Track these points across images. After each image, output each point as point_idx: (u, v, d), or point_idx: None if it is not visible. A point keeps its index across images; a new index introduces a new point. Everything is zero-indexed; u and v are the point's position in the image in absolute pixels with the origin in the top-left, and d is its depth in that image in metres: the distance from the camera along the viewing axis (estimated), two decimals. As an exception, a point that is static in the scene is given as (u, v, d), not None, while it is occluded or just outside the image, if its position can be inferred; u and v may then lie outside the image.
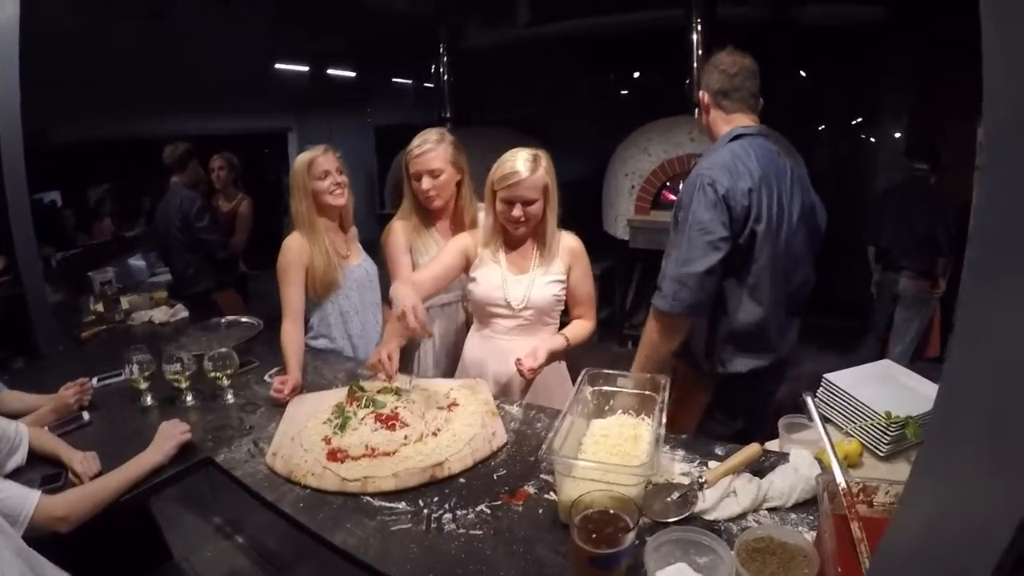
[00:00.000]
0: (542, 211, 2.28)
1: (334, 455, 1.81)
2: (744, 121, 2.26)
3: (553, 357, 2.32)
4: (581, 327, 2.46)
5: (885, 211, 4.86)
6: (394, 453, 1.80)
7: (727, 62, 2.25)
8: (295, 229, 2.64)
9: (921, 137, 5.98)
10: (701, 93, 2.32)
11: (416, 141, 2.52)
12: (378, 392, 2.14)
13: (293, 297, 2.57)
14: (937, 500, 0.71)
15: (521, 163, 2.20)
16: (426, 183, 2.50)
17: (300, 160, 2.61)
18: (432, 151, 2.48)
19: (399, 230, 2.64)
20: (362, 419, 1.96)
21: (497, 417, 2.03)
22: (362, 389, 2.16)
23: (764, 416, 2.41)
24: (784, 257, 2.23)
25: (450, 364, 2.71)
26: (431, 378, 2.45)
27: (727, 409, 2.34)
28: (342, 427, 1.92)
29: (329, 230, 2.69)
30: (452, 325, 2.75)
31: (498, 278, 2.35)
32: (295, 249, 2.59)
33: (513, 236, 2.36)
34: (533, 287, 2.34)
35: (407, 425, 1.92)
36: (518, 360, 2.19)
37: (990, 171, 0.60)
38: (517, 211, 2.24)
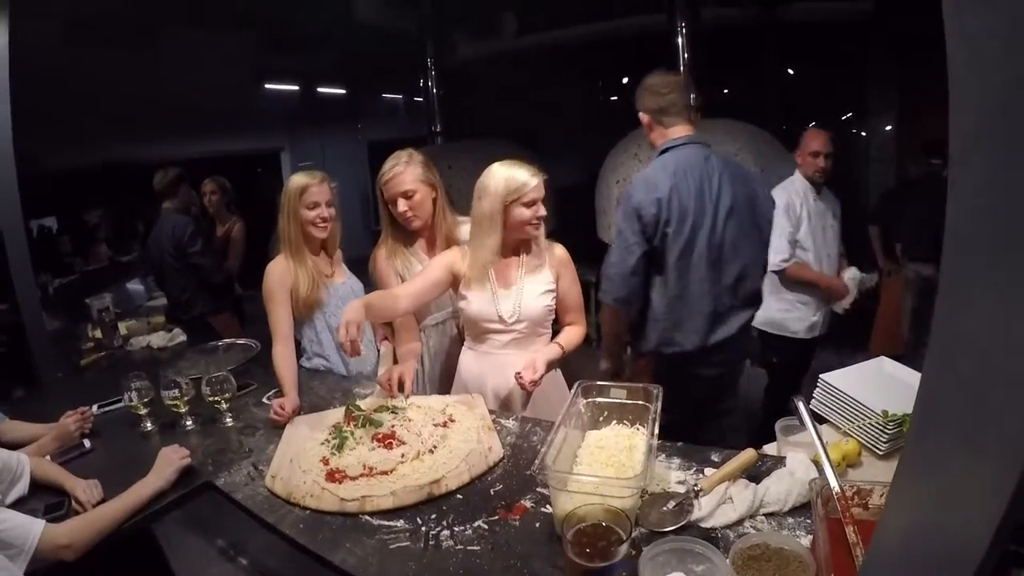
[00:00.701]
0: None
1: (332, 476, 1.81)
2: (680, 132, 2.59)
3: (550, 366, 2.33)
4: (574, 333, 2.48)
5: (903, 205, 4.98)
6: (391, 471, 1.81)
7: (658, 83, 2.58)
8: (280, 247, 2.66)
9: (909, 131, 6.01)
10: (641, 115, 2.63)
11: (387, 165, 2.55)
12: (375, 411, 2.15)
13: (281, 319, 2.58)
14: (920, 501, 0.72)
15: (528, 173, 2.27)
16: (402, 205, 2.52)
17: (294, 183, 2.62)
18: (402, 173, 2.51)
19: (382, 257, 2.66)
20: (359, 439, 1.97)
21: (493, 432, 2.03)
22: (359, 409, 2.16)
23: (704, 402, 2.76)
24: (709, 250, 2.54)
25: (446, 381, 2.71)
26: (427, 395, 2.45)
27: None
28: (339, 447, 1.94)
29: (312, 252, 2.72)
30: (446, 342, 2.77)
31: (488, 293, 2.37)
32: (277, 272, 2.61)
33: (503, 250, 2.37)
34: (523, 299, 2.36)
35: (404, 443, 1.93)
36: (518, 374, 2.19)
37: (959, 174, 0.61)
38: (540, 208, 2.30)
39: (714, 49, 5.76)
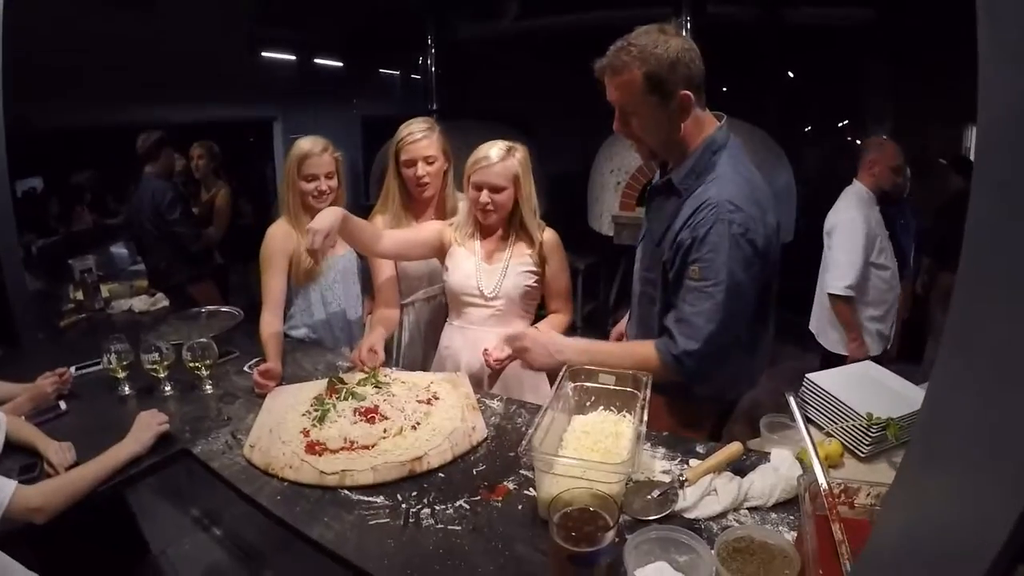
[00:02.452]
0: (511, 201, 2.32)
1: (312, 448, 1.79)
2: (711, 118, 1.87)
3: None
4: (556, 321, 2.47)
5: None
6: (373, 447, 1.78)
7: (689, 47, 1.73)
8: (282, 213, 2.64)
9: (904, 143, 6.03)
10: (683, 94, 1.71)
11: (407, 129, 2.51)
12: (358, 384, 2.13)
13: (274, 286, 2.56)
14: (923, 503, 0.71)
15: (494, 150, 2.26)
16: (421, 169, 2.50)
17: (296, 151, 2.56)
18: (427, 138, 2.49)
19: (379, 223, 2.62)
20: (341, 412, 1.94)
21: (477, 412, 2.01)
22: (342, 381, 2.14)
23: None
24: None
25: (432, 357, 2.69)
26: (412, 371, 2.42)
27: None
28: (321, 419, 1.91)
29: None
30: (439, 318, 2.71)
31: (472, 266, 2.38)
32: (279, 237, 2.59)
33: (485, 225, 2.40)
34: (506, 276, 2.37)
35: (387, 418, 1.90)
36: (485, 351, 2.21)
37: (983, 170, 0.59)
38: (484, 197, 2.27)
39: (716, 45, 5.74)
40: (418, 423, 1.90)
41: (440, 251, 2.47)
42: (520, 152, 2.30)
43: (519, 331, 2.05)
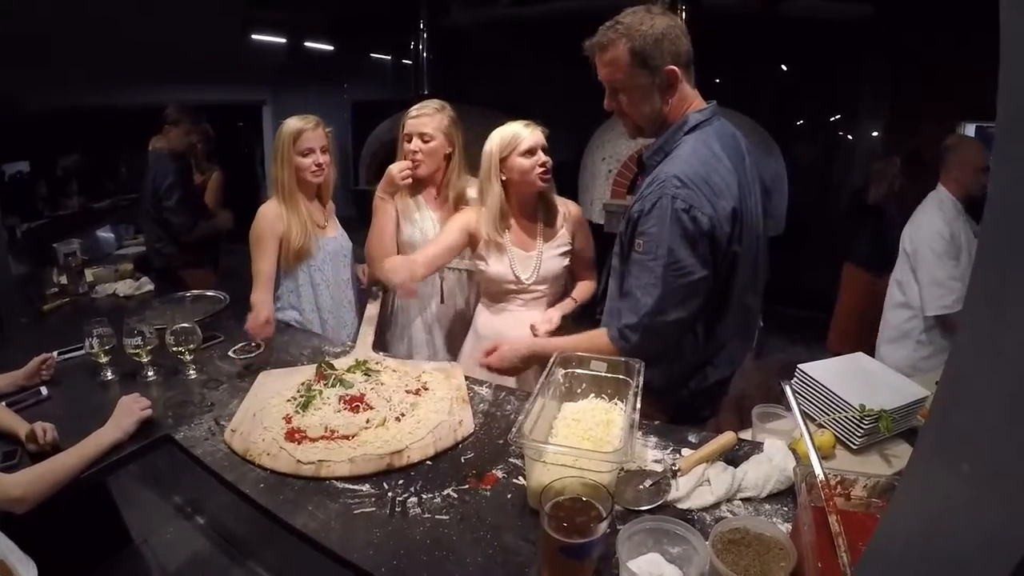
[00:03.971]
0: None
1: (292, 435, 1.76)
2: (698, 100, 1.84)
3: (565, 319, 2.44)
4: (586, 287, 2.59)
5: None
6: (353, 437, 1.75)
7: (675, 24, 1.74)
8: (273, 194, 2.65)
9: (896, 140, 6.03)
10: (669, 69, 1.73)
11: (417, 105, 2.61)
12: (347, 371, 2.08)
13: (265, 267, 2.58)
14: (937, 498, 0.67)
15: (518, 125, 2.33)
16: (415, 144, 2.56)
17: (288, 128, 2.59)
18: (428, 117, 2.56)
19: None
20: (327, 399, 1.91)
21: (467, 404, 1.97)
22: (331, 367, 2.11)
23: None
24: (755, 268, 1.95)
25: (461, 327, 2.75)
26: (406, 359, 2.39)
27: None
28: (304, 406, 1.88)
29: (306, 199, 2.70)
30: (461, 290, 2.80)
31: (506, 257, 2.43)
32: (270, 217, 2.60)
33: (508, 212, 2.42)
34: (542, 262, 2.45)
35: (371, 408, 1.87)
36: (533, 326, 2.32)
37: (1002, 164, 0.56)
38: (540, 155, 2.31)
39: (711, 35, 5.71)
40: (403, 414, 1.86)
41: (472, 243, 2.48)
42: (534, 125, 2.36)
43: (495, 343, 2.10)
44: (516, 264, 2.43)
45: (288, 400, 1.95)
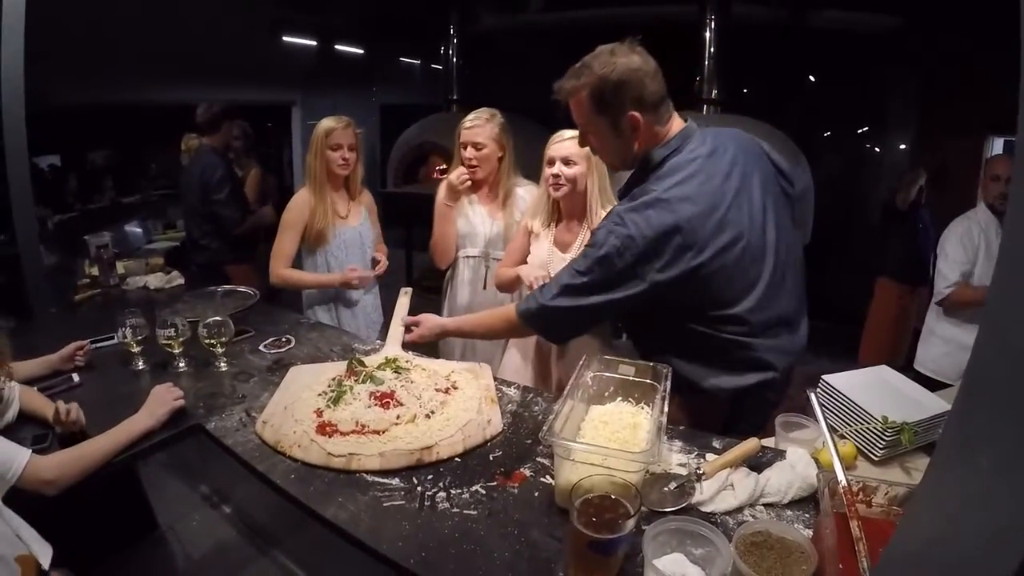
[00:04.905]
0: (583, 179, 2.42)
1: (323, 428, 1.79)
2: (674, 127, 1.85)
3: None
4: None
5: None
6: (384, 432, 1.78)
7: (640, 65, 1.74)
8: (307, 182, 3.03)
9: (923, 153, 5.99)
10: (631, 114, 1.75)
11: (470, 116, 2.85)
12: (378, 368, 2.12)
13: (287, 244, 3.00)
14: (954, 501, 0.69)
15: (567, 131, 2.37)
16: (469, 153, 2.82)
17: (322, 125, 2.96)
18: (480, 126, 2.81)
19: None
20: (357, 395, 1.93)
21: (495, 405, 1.99)
22: (362, 364, 2.14)
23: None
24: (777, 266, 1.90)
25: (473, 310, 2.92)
26: (434, 358, 2.41)
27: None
28: (336, 401, 1.90)
29: (332, 190, 3.07)
30: (478, 279, 3.01)
31: (544, 253, 2.56)
32: (299, 205, 3.00)
33: (560, 210, 2.56)
34: None
35: (401, 404, 1.89)
36: (525, 273, 2.43)
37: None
38: (556, 168, 2.41)
39: (740, 45, 5.71)
40: (432, 412, 1.89)
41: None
42: (572, 137, 2.38)
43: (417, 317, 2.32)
44: (553, 260, 2.50)
45: (319, 395, 1.98)
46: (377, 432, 1.78)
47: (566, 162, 2.40)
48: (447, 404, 1.94)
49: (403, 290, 2.67)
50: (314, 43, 8.26)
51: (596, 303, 1.78)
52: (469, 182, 2.82)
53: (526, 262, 2.61)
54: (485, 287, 2.98)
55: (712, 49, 5.59)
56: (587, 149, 2.08)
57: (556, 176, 2.42)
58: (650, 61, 1.75)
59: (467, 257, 3.02)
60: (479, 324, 2.23)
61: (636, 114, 1.74)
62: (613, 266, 1.72)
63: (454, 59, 7.46)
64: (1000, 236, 2.72)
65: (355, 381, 2.02)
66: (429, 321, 2.29)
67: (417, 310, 2.40)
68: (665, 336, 1.92)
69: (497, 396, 2.05)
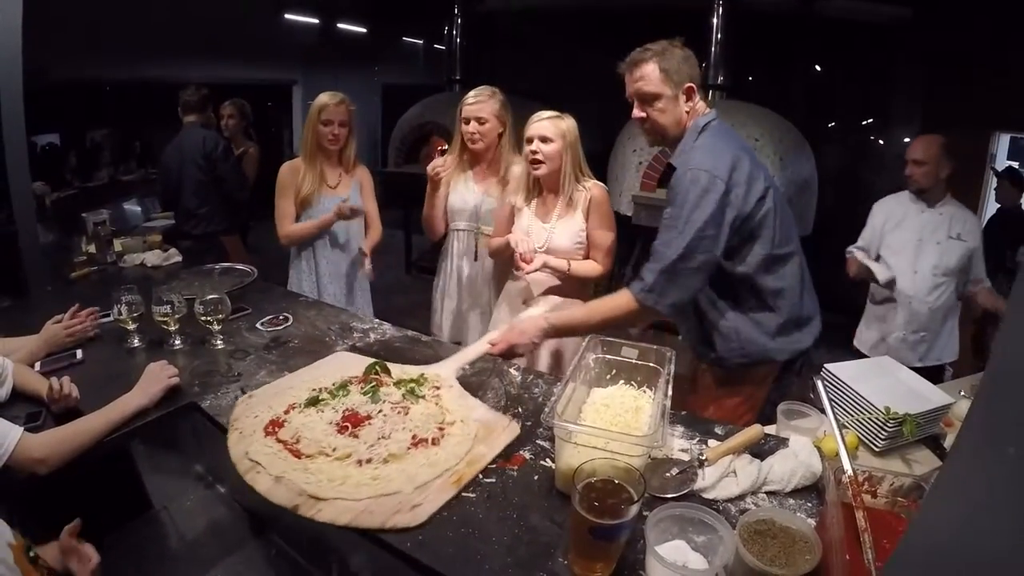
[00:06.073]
0: (558, 156, 2.58)
1: (271, 425, 1.67)
2: (706, 108, 2.17)
3: (555, 275, 2.68)
4: (588, 264, 2.71)
5: None
6: (306, 457, 1.56)
7: (690, 55, 2.11)
8: (300, 152, 3.23)
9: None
10: (688, 86, 2.07)
11: (473, 92, 2.94)
12: (396, 384, 1.85)
13: (287, 207, 3.18)
14: (980, 491, 0.66)
15: (545, 112, 2.63)
16: (472, 127, 2.91)
17: (317, 101, 3.11)
18: (483, 102, 2.90)
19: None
20: (336, 406, 1.72)
21: (454, 488, 1.48)
22: (386, 371, 1.94)
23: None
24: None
25: (467, 285, 3.15)
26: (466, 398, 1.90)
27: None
28: (314, 402, 1.75)
29: (324, 161, 3.23)
30: (468, 251, 3.12)
31: (525, 223, 2.72)
32: (287, 171, 3.19)
33: (540, 185, 2.71)
34: (554, 234, 2.67)
35: (357, 437, 1.60)
36: (521, 255, 2.54)
37: None
38: (534, 145, 2.58)
39: (747, 33, 5.67)
40: (370, 460, 1.54)
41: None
42: (568, 120, 2.63)
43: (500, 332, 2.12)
44: (532, 230, 2.68)
45: (315, 389, 1.83)
46: (299, 455, 1.56)
47: (543, 140, 2.57)
48: (401, 459, 1.55)
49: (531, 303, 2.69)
50: (316, 21, 8.20)
51: (696, 247, 1.96)
52: (440, 176, 2.93)
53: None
54: (476, 258, 3.10)
55: (719, 35, 5.57)
56: (562, 127, 2.57)
57: (535, 152, 2.57)
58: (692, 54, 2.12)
59: (457, 230, 3.13)
60: (593, 313, 2.12)
61: (692, 85, 2.08)
62: (702, 210, 1.94)
63: (457, 39, 7.44)
64: (923, 213, 3.10)
65: (361, 390, 1.79)
66: (521, 324, 2.10)
67: (415, 289, 2.37)
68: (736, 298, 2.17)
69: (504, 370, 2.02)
